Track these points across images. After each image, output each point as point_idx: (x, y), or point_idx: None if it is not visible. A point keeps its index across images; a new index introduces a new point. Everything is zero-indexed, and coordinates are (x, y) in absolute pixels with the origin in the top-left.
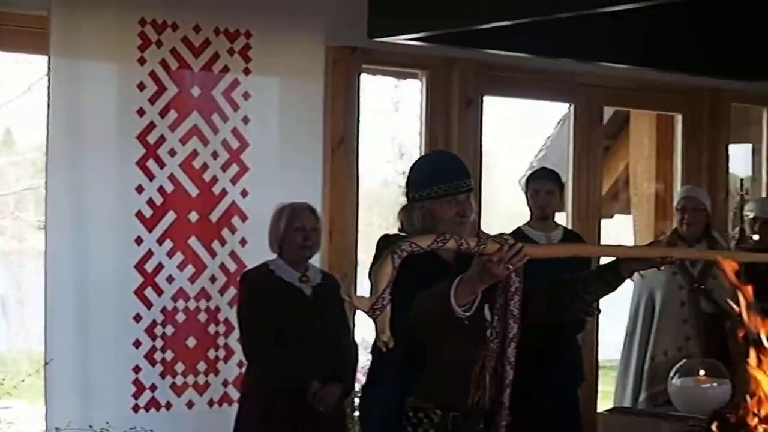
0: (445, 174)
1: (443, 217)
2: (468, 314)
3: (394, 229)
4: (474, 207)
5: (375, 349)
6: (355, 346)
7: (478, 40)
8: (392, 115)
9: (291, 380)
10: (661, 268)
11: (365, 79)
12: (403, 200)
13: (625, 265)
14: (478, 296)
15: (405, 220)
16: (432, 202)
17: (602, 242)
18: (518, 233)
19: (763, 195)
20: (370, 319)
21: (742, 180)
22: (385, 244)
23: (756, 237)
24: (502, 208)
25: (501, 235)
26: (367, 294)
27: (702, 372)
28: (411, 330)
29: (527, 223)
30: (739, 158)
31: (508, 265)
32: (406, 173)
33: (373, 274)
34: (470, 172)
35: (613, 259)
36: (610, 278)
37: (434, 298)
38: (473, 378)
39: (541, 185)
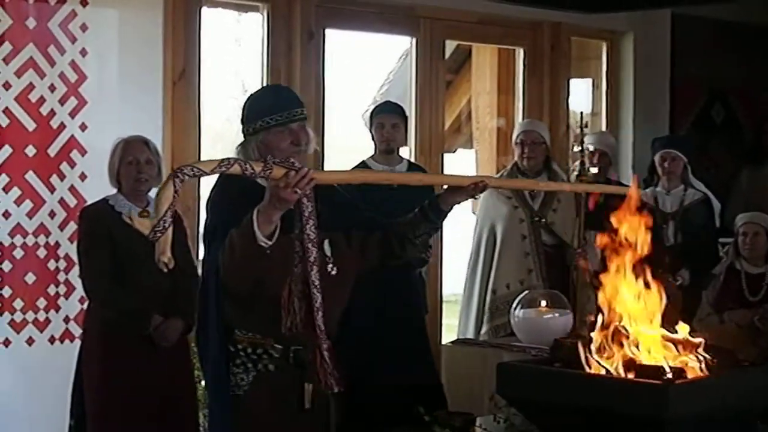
0: (277, 104)
1: (278, 146)
2: (270, 243)
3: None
4: (311, 136)
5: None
6: (198, 279)
7: None
8: (234, 51)
9: (131, 316)
10: (478, 197)
11: (206, 13)
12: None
13: (443, 198)
14: (278, 224)
15: (242, 155)
16: (266, 133)
17: None
18: (363, 167)
19: (603, 129)
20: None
21: (582, 113)
22: (226, 182)
23: (594, 170)
24: (344, 142)
25: (287, 159)
26: None
27: (544, 303)
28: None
29: (372, 157)
30: (580, 93)
31: (296, 189)
32: (242, 109)
33: (155, 197)
34: (303, 102)
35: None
36: (433, 215)
37: (240, 236)
38: (282, 303)
39: (386, 119)
